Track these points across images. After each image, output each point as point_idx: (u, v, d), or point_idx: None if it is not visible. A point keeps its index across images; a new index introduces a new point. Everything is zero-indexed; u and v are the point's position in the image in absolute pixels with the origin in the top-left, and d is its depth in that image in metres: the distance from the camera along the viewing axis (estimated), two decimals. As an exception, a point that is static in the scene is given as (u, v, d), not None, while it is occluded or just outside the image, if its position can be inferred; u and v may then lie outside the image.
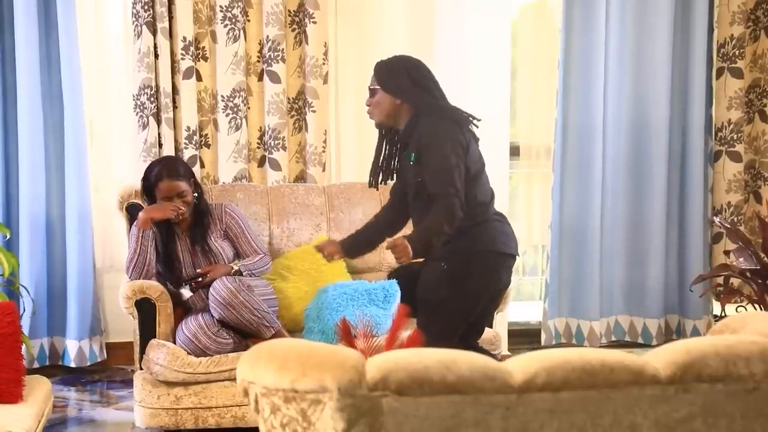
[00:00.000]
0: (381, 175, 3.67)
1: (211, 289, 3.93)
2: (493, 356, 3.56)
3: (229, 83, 4.94)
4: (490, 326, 3.96)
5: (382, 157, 3.65)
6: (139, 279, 4.04)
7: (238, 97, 4.95)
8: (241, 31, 4.94)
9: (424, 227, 3.43)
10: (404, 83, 3.49)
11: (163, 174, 4.15)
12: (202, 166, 4.98)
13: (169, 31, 4.87)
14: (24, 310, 4.68)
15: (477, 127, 3.56)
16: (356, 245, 3.79)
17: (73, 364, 4.97)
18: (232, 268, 4.11)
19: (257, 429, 1.83)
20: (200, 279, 4.08)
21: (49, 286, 4.96)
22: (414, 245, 3.35)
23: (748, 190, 5.57)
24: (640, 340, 5.48)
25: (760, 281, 4.70)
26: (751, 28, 5.46)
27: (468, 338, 3.62)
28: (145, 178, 4.21)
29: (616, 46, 5.31)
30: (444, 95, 3.58)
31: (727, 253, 5.25)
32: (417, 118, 3.48)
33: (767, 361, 1.80)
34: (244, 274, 4.12)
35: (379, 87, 3.54)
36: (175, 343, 3.95)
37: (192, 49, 4.90)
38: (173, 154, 4.83)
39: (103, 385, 4.92)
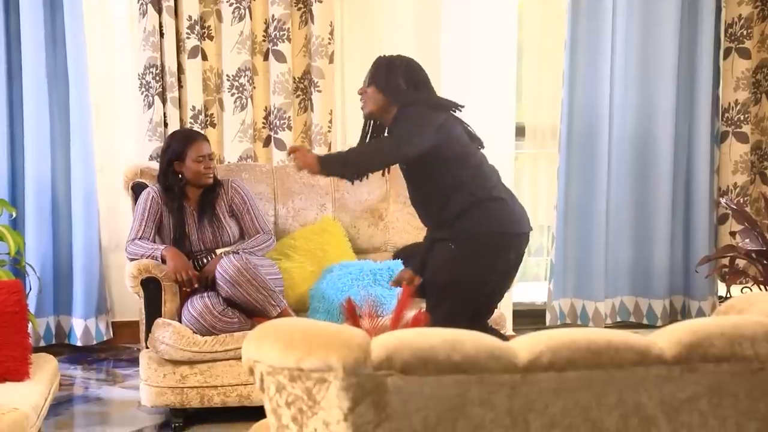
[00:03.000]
0: None
1: (217, 266, 3.93)
2: (503, 336, 3.57)
3: (234, 62, 4.93)
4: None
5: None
6: (138, 252, 4.06)
7: (244, 77, 4.94)
8: (247, 10, 4.92)
9: (349, 150, 3.46)
10: (399, 84, 3.54)
11: (195, 135, 4.22)
12: (208, 145, 4.98)
13: (174, 9, 4.86)
14: (30, 289, 4.70)
15: (460, 110, 3.58)
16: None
17: (79, 343, 4.98)
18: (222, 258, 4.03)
19: (262, 408, 1.83)
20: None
21: (55, 265, 4.97)
22: (325, 160, 3.35)
23: (755, 171, 5.56)
24: (645, 321, 5.48)
25: (765, 262, 4.70)
26: (759, 8, 5.43)
27: (479, 318, 3.63)
28: (170, 146, 4.19)
29: (623, 26, 5.28)
30: (434, 91, 3.63)
31: (732, 234, 5.24)
32: (400, 112, 3.51)
33: (773, 341, 1.80)
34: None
35: (374, 83, 3.57)
36: (180, 322, 3.96)
37: (197, 28, 4.88)
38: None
39: (109, 363, 4.93)
